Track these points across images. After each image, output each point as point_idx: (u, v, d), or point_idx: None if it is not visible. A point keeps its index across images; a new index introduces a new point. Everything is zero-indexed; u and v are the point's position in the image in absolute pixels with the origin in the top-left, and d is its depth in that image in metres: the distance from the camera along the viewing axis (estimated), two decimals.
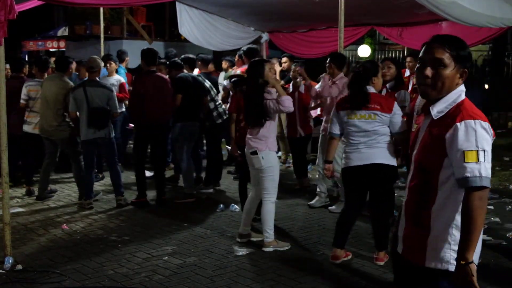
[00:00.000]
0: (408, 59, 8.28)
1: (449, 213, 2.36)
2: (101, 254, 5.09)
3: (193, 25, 8.96)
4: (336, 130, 4.86)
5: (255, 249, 5.17)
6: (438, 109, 2.39)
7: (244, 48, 8.16)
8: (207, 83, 7.63)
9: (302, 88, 7.19)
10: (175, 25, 9.12)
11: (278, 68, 9.43)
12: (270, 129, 5.16)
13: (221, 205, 6.67)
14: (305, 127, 7.44)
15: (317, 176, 6.98)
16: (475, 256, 2.29)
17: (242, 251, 5.14)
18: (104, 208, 6.73)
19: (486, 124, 2.31)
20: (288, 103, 5.04)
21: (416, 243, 2.43)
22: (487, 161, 2.27)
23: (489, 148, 2.30)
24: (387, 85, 5.97)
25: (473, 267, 2.22)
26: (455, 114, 2.34)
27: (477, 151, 2.26)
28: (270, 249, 5.18)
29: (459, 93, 2.39)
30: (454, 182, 2.32)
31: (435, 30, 8.50)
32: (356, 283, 4.46)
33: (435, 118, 2.39)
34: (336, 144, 4.96)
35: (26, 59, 16.03)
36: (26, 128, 7.22)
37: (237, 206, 6.60)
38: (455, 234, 2.35)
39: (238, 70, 8.22)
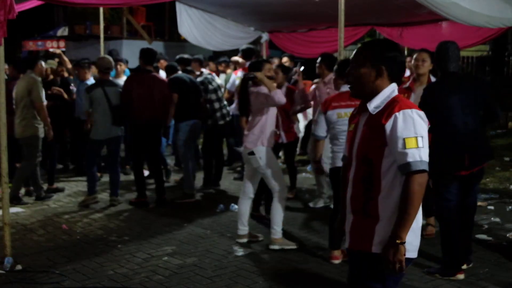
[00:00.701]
0: (408, 59, 8.28)
1: (395, 199, 2.49)
2: (101, 254, 5.08)
3: (192, 25, 8.96)
4: (323, 132, 4.82)
5: (255, 249, 5.17)
6: (374, 105, 2.55)
7: (243, 47, 8.17)
8: (214, 84, 7.64)
9: (283, 90, 6.67)
10: (175, 25, 9.13)
11: None
12: (266, 124, 5.18)
13: (221, 205, 6.67)
14: (288, 133, 6.82)
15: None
16: (416, 239, 2.54)
17: (242, 251, 5.13)
18: (104, 208, 6.73)
19: (422, 113, 2.50)
20: (278, 96, 5.06)
21: (364, 232, 2.55)
22: (425, 147, 2.46)
23: (426, 135, 2.48)
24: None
25: (405, 248, 2.43)
26: (393, 105, 2.51)
27: (416, 137, 2.43)
28: (276, 247, 5.18)
29: (393, 89, 2.58)
30: (396, 170, 2.48)
31: (435, 30, 8.50)
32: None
33: (373, 113, 2.55)
34: (322, 145, 4.93)
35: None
36: None
37: (237, 206, 6.58)
38: None
39: (239, 71, 8.23)
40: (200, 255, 5.07)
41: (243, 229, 5.39)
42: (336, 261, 4.82)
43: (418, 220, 2.52)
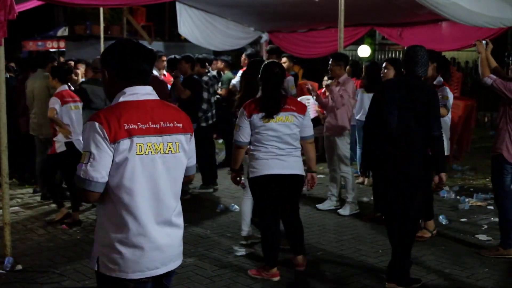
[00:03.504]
0: None
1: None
2: None
3: (193, 25, 8.98)
4: (246, 137, 4.38)
5: (255, 249, 5.17)
6: None
7: (248, 51, 8.26)
8: (217, 86, 7.67)
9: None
10: (175, 25, 9.14)
11: None
12: None
13: (221, 205, 6.67)
14: None
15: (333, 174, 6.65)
16: (116, 256, 2.35)
17: (242, 251, 5.13)
18: None
19: (99, 126, 2.25)
20: None
21: None
22: (90, 164, 2.25)
23: (97, 151, 2.25)
24: None
25: None
26: None
27: (85, 152, 2.28)
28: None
29: (119, 96, 2.39)
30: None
31: (435, 30, 8.51)
32: (356, 283, 4.46)
33: None
34: (243, 152, 4.48)
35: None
36: None
37: (237, 206, 6.60)
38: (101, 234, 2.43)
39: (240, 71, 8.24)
40: (200, 255, 5.07)
41: (247, 230, 5.29)
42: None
43: (110, 237, 2.35)
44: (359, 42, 14.45)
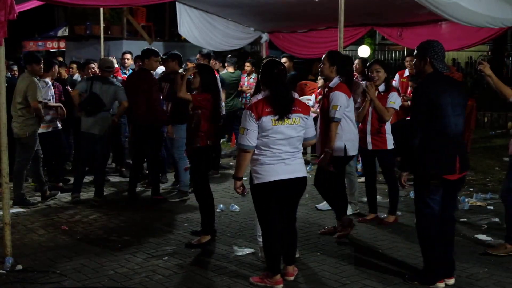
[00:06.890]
0: (407, 58, 8.32)
1: None
2: (101, 254, 5.09)
3: (193, 25, 8.99)
4: (254, 141, 4.12)
5: (255, 249, 5.17)
6: None
7: (205, 51, 8.31)
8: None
9: None
10: (175, 25, 9.15)
11: None
12: None
13: (221, 205, 6.67)
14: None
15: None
16: None
17: (242, 251, 5.13)
18: (104, 208, 6.73)
19: None
20: None
21: None
22: None
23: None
24: (379, 89, 5.95)
25: None
26: None
27: None
28: None
29: None
30: None
31: (435, 30, 8.52)
32: (356, 283, 4.46)
33: None
34: (250, 158, 4.19)
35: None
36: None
37: (237, 206, 6.61)
38: None
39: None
40: (200, 255, 5.07)
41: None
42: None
43: None
44: (359, 42, 14.45)
